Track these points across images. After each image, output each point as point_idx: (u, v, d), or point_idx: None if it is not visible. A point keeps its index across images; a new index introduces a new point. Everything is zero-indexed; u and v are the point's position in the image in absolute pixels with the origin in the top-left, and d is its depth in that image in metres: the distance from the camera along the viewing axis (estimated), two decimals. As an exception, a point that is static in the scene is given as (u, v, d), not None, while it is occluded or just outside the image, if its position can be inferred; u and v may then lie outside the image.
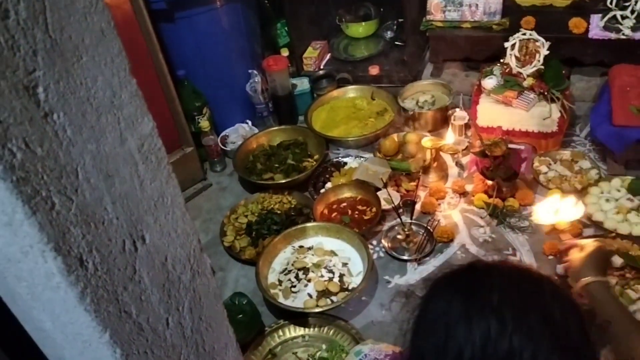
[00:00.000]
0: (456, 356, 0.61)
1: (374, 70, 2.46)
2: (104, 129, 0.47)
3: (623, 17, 1.94)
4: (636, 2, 1.91)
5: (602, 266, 1.15)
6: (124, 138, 0.49)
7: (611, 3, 1.95)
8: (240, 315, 1.59)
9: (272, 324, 1.61)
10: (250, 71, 2.22)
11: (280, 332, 1.58)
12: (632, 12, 1.92)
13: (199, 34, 2.10)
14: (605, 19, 1.97)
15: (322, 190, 2.00)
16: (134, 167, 0.50)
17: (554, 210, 1.42)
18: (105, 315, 0.47)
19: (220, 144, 2.22)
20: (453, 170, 2.03)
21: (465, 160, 2.01)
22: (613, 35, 1.95)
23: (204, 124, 2.12)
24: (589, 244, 1.20)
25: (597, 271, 1.12)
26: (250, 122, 2.29)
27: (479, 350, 0.60)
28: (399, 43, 2.54)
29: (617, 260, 1.50)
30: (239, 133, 2.26)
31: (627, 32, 1.92)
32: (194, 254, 0.60)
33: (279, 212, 1.93)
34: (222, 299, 1.61)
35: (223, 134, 2.28)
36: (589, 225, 1.70)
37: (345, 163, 2.14)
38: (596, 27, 2.00)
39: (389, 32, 2.61)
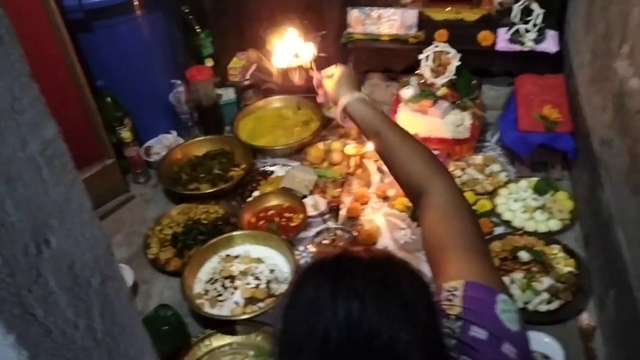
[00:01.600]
0: (323, 338, 0.64)
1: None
2: (3, 134, 0.47)
3: (526, 31, 2.09)
4: (537, 17, 2.06)
5: (353, 84, 1.16)
6: (26, 142, 0.49)
7: (515, 17, 2.10)
8: (165, 327, 1.57)
9: (199, 333, 1.60)
10: (173, 81, 2.21)
11: (207, 342, 1.58)
12: (534, 25, 2.08)
13: (119, 44, 2.07)
14: (510, 32, 2.11)
15: (249, 199, 2.01)
16: (37, 171, 0.51)
17: (293, 53, 1.39)
18: (9, 317, 0.47)
19: (143, 155, 2.19)
20: (376, 176, 2.10)
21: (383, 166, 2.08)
22: (517, 48, 2.10)
23: (126, 134, 2.09)
24: (335, 70, 1.22)
25: (350, 89, 1.14)
26: (175, 133, 2.28)
27: (344, 331, 0.63)
28: (323, 54, 2.59)
29: (524, 255, 1.62)
30: (163, 143, 2.24)
31: (530, 44, 2.07)
32: (103, 258, 0.61)
33: (205, 222, 1.92)
34: (147, 311, 1.62)
35: (147, 144, 2.25)
36: (499, 224, 1.82)
37: (272, 172, 2.16)
38: (502, 40, 2.14)
39: (316, 43, 2.66)
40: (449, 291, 0.80)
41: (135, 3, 2.03)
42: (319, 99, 1.36)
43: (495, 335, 0.75)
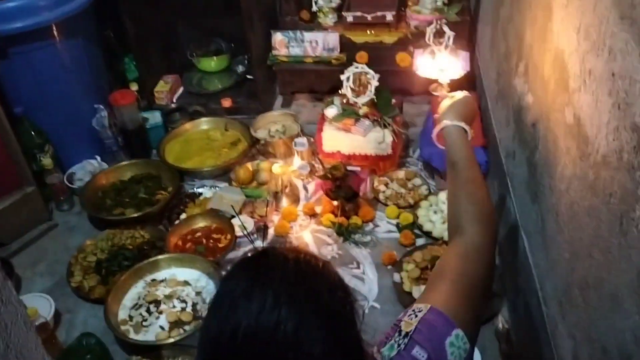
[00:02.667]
0: (234, 328, 0.66)
1: (226, 102, 2.53)
2: None
3: (438, 50, 2.20)
4: (449, 39, 2.18)
5: (462, 113, 1.17)
6: None
7: (429, 39, 2.21)
8: (89, 356, 1.54)
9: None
10: (96, 106, 2.18)
11: (132, 368, 1.56)
12: (446, 47, 2.19)
13: (37, 70, 2.03)
14: (425, 53, 2.22)
15: (177, 222, 2.01)
16: None
17: (439, 67, 1.44)
18: None
19: (66, 182, 2.14)
20: (304, 193, 2.14)
21: (312, 184, 2.13)
22: (431, 66, 2.21)
23: (47, 162, 2.04)
24: (458, 94, 1.25)
25: (456, 117, 1.15)
26: (99, 158, 2.24)
27: (253, 321, 0.66)
28: (250, 77, 2.64)
29: (442, 264, 1.69)
30: (87, 169, 2.19)
31: (441, 62, 2.19)
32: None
33: (130, 247, 1.90)
34: (70, 341, 1.58)
35: (70, 171, 2.20)
36: (420, 235, 1.90)
37: (201, 193, 2.16)
38: (419, 59, 2.24)
39: (240, 66, 2.71)
40: (414, 310, 0.85)
41: (53, 29, 2.01)
42: (435, 116, 1.36)
43: None
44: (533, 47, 1.43)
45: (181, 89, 2.64)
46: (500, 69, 1.83)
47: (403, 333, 0.82)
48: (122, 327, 1.62)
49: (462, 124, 1.14)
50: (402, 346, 0.80)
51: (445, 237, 1.85)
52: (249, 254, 0.77)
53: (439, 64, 1.41)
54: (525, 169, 1.47)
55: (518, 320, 1.54)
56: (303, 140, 2.11)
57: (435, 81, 1.52)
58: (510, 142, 1.66)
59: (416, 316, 0.84)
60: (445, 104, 1.22)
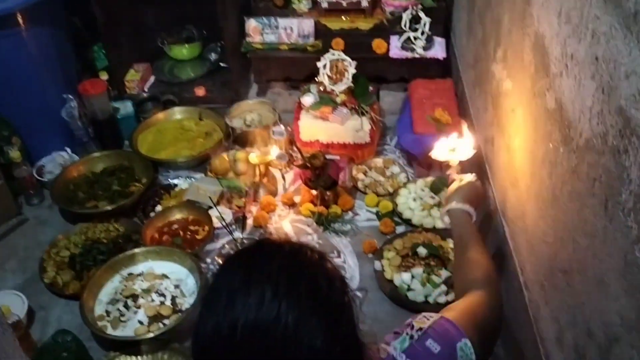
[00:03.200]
0: (232, 323, 0.65)
1: (200, 91, 2.48)
2: None
3: (415, 38, 2.20)
4: (424, 25, 2.18)
5: (468, 197, 1.26)
6: None
7: (405, 25, 2.21)
8: (65, 354, 1.50)
9: (102, 357, 1.54)
10: (65, 96, 2.11)
11: (111, 365, 1.52)
12: (422, 33, 2.19)
13: (2, 60, 1.95)
14: (402, 39, 2.22)
15: (152, 215, 1.96)
16: None
17: (450, 148, 1.53)
18: None
19: (35, 175, 2.07)
20: (282, 183, 2.11)
21: (290, 173, 2.11)
22: (409, 54, 2.21)
23: (14, 154, 1.96)
24: (466, 178, 1.32)
25: (462, 200, 1.24)
26: (69, 150, 2.17)
27: (252, 315, 0.65)
28: (224, 65, 2.59)
29: (423, 251, 1.69)
30: (57, 162, 2.13)
31: (420, 51, 2.19)
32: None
33: (105, 241, 1.85)
34: (45, 338, 1.53)
35: (39, 164, 2.13)
36: (400, 223, 1.89)
37: (176, 185, 2.12)
38: (395, 47, 2.24)
39: (213, 54, 2.65)
40: (424, 316, 0.89)
41: (18, 17, 1.92)
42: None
43: (446, 355, 0.83)
44: (512, 32, 1.42)
45: (152, 78, 2.58)
46: (478, 55, 1.83)
47: (416, 328, 0.85)
48: (99, 323, 1.58)
49: (467, 207, 1.22)
50: (416, 337, 0.84)
51: (425, 225, 1.86)
52: (244, 247, 0.76)
53: (450, 145, 1.49)
54: (505, 155, 1.48)
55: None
56: (281, 129, 2.08)
57: (447, 163, 1.62)
58: (488, 128, 1.66)
59: (428, 319, 0.88)
60: (454, 186, 1.30)
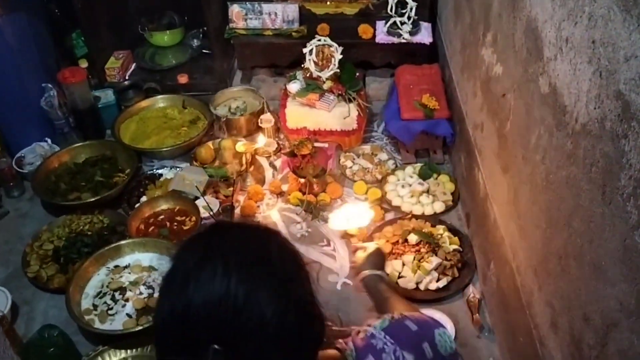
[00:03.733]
0: (187, 302, 0.66)
1: (182, 79, 2.43)
2: None
3: (402, 23, 2.17)
4: (411, 10, 2.16)
5: (378, 263, 1.33)
6: None
7: (391, 10, 2.18)
8: (52, 349, 1.46)
9: (90, 352, 1.51)
10: (44, 85, 2.04)
11: (100, 359, 1.49)
12: (409, 18, 2.17)
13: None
14: (388, 24, 2.20)
15: (137, 205, 1.92)
16: None
17: (346, 218, 1.57)
18: None
19: (15, 167, 2.02)
20: (270, 172, 2.09)
21: (278, 161, 2.09)
22: (395, 40, 2.19)
23: (-7, 145, 1.91)
24: (370, 246, 1.38)
25: (373, 267, 1.30)
26: (49, 140, 2.11)
27: (204, 291, 0.66)
28: (207, 51, 2.54)
29: (413, 238, 1.69)
30: (37, 153, 2.07)
31: (406, 36, 2.17)
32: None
33: (89, 233, 1.81)
34: (30, 334, 1.50)
35: (18, 155, 2.08)
36: (389, 210, 1.89)
37: (161, 175, 2.08)
38: (381, 32, 2.22)
39: (195, 40, 2.60)
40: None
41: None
42: (351, 266, 1.51)
43: (423, 334, 0.86)
44: (502, 16, 1.41)
45: (134, 65, 2.52)
46: (466, 40, 1.82)
47: (397, 315, 0.88)
48: (86, 317, 1.55)
49: (379, 272, 1.29)
50: (396, 317, 0.87)
51: (415, 211, 1.85)
52: (200, 230, 0.79)
53: (346, 214, 1.51)
54: (495, 140, 1.47)
55: (490, 290, 1.55)
56: (269, 116, 2.05)
57: (346, 233, 1.68)
58: (478, 113, 1.66)
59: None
60: (360, 255, 1.36)
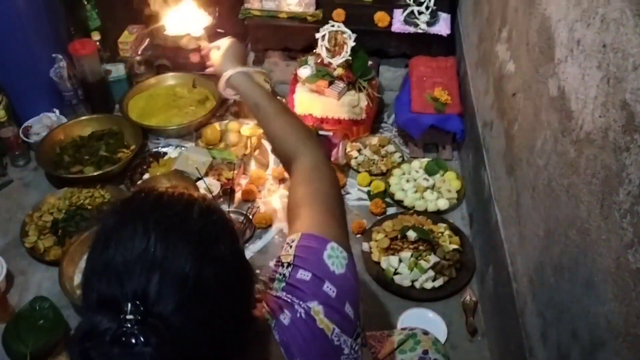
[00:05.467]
0: (108, 258, 0.66)
1: (195, 57, 2.40)
2: None
3: (420, 13, 2.11)
4: (430, 0, 2.10)
5: (238, 58, 1.22)
6: None
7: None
8: (42, 321, 1.48)
9: (80, 326, 1.51)
10: (54, 55, 2.03)
11: (88, 334, 1.49)
12: (427, 8, 2.11)
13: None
14: (405, 13, 2.14)
15: (139, 182, 1.91)
16: None
17: (182, 20, 1.39)
18: None
19: (22, 136, 2.02)
20: (274, 158, 2.06)
21: (283, 147, 2.05)
22: (412, 29, 2.13)
23: (0, 113, 1.91)
24: (223, 42, 1.26)
25: (235, 63, 1.19)
26: (57, 111, 2.11)
27: (123, 247, 0.66)
28: (221, 31, 2.50)
29: (412, 234, 1.65)
30: (43, 123, 2.07)
31: (423, 26, 2.11)
32: None
33: (89, 207, 1.80)
34: (23, 304, 1.51)
35: (25, 124, 2.07)
36: (392, 204, 1.85)
37: (165, 153, 2.07)
38: (398, 21, 2.16)
39: (210, 19, 2.56)
40: (288, 243, 0.88)
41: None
42: (208, 71, 1.34)
43: (318, 276, 0.82)
44: (518, 12, 1.35)
45: (147, 41, 2.49)
46: (482, 34, 1.76)
47: (285, 264, 0.85)
48: (78, 292, 1.55)
49: (244, 68, 1.18)
50: (287, 275, 0.84)
51: (417, 207, 1.82)
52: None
53: (184, 17, 1.37)
54: (502, 140, 1.43)
55: (487, 294, 1.52)
56: (274, 100, 2.01)
57: (187, 36, 1.48)
58: (488, 111, 1.61)
59: (291, 247, 0.86)
60: (216, 55, 1.22)
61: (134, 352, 0.60)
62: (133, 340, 0.60)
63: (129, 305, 0.62)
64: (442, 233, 1.69)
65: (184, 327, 0.64)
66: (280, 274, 0.84)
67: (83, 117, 2.10)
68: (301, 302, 0.80)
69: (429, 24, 2.12)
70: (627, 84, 0.76)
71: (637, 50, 0.73)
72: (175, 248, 0.66)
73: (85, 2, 2.31)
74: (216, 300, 0.68)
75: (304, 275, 0.82)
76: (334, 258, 0.85)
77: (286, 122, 1.08)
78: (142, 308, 0.62)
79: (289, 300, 0.81)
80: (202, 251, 0.68)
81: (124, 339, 0.60)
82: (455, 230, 1.73)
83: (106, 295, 0.64)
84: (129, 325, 0.61)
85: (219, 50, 1.23)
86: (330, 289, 0.82)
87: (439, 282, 1.59)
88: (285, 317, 0.79)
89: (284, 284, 0.83)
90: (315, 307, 0.80)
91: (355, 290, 0.86)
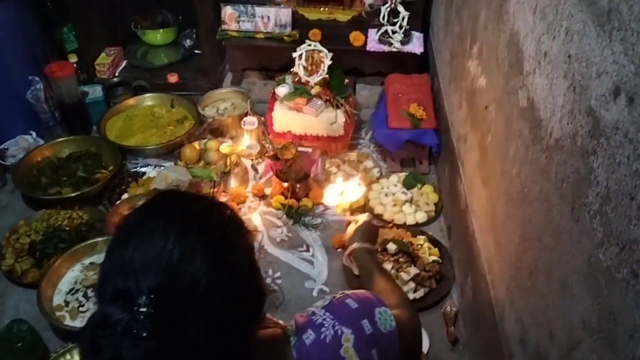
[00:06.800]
0: (128, 254, 0.68)
1: (173, 78, 2.42)
2: None
3: (393, 32, 2.17)
4: (403, 19, 2.16)
5: (367, 236, 1.30)
6: None
7: (383, 19, 2.18)
8: (20, 344, 1.44)
9: (59, 348, 1.49)
10: (30, 78, 2.03)
11: (68, 356, 1.47)
12: (400, 27, 2.17)
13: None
14: (379, 33, 2.19)
15: (117, 202, 1.90)
16: None
17: (339, 192, 1.54)
18: None
19: (-2, 158, 2.00)
20: (252, 174, 2.08)
21: (262, 164, 2.07)
22: (386, 48, 2.18)
23: (-25, 136, 1.89)
24: (361, 218, 1.36)
25: (363, 239, 1.27)
26: (34, 134, 2.10)
27: (143, 245, 0.69)
28: (199, 51, 2.54)
29: (392, 247, 1.67)
30: (20, 145, 2.05)
31: (397, 45, 2.16)
32: None
33: (67, 228, 1.79)
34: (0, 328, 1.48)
35: (2, 147, 2.06)
36: (372, 218, 1.87)
37: (144, 173, 2.07)
38: (373, 40, 2.21)
39: (188, 40, 2.60)
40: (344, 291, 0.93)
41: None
42: (344, 260, 1.43)
43: (363, 310, 0.86)
44: (487, 28, 1.41)
45: (124, 62, 2.51)
46: (454, 51, 1.81)
47: (339, 292, 0.90)
48: (57, 313, 1.53)
49: (368, 245, 1.26)
50: (336, 297, 0.88)
51: (397, 221, 1.84)
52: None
53: (338, 188, 1.51)
54: (477, 152, 1.47)
55: (466, 303, 1.54)
56: (252, 119, 2.03)
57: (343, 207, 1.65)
58: (462, 125, 1.65)
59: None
60: (351, 229, 1.34)
61: (142, 344, 0.63)
62: (143, 333, 0.63)
63: (143, 298, 0.64)
64: (422, 245, 1.72)
65: (191, 327, 0.66)
66: (328, 298, 0.88)
67: (60, 139, 2.10)
68: (336, 324, 0.83)
69: (403, 42, 2.18)
70: (591, 91, 0.80)
71: (599, 59, 0.77)
72: (192, 251, 0.68)
73: (62, 24, 2.32)
74: (225, 305, 0.70)
75: (351, 303, 0.86)
76: (383, 317, 0.87)
77: (387, 287, 1.12)
78: (154, 302, 0.64)
79: (320, 321, 0.83)
80: (218, 256, 0.70)
81: (134, 330, 0.63)
82: (434, 242, 1.75)
83: (122, 288, 0.67)
84: (141, 317, 0.63)
85: (354, 225, 1.33)
86: (367, 327, 0.84)
87: (420, 294, 1.60)
88: (308, 337, 0.82)
89: (328, 303, 0.86)
90: (348, 335, 0.82)
91: (393, 346, 0.87)
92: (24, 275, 1.67)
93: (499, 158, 1.26)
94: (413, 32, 2.22)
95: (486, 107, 1.39)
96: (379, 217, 1.87)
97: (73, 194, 1.87)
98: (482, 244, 1.40)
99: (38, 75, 2.05)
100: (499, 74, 1.29)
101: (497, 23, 1.32)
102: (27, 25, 2.07)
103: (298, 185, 1.90)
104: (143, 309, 0.64)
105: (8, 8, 1.96)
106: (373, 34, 2.23)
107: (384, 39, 2.19)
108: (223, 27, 2.31)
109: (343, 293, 0.91)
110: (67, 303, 1.57)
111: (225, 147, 2.05)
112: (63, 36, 2.35)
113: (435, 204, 1.89)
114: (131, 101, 2.30)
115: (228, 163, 2.03)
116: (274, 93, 2.16)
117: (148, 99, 2.32)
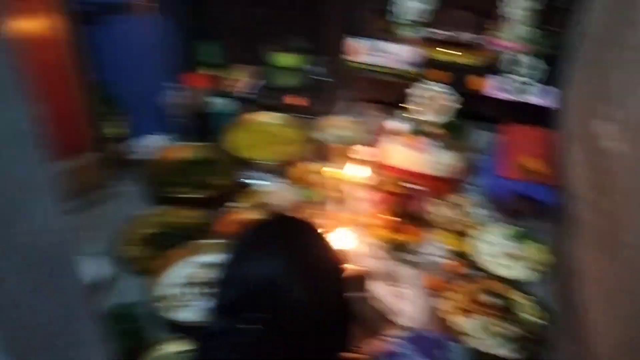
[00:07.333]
0: (241, 274, 0.80)
1: (295, 100, 2.54)
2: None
3: (521, 82, 2.14)
4: (531, 69, 2.12)
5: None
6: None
7: (507, 67, 2.15)
8: (124, 326, 1.57)
9: (162, 337, 1.59)
10: (169, 84, 2.23)
11: (165, 346, 1.57)
12: (528, 77, 2.13)
13: (118, 44, 2.11)
14: (504, 80, 2.17)
15: (229, 210, 2.02)
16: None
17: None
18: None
19: (130, 153, 2.20)
20: (356, 202, 2.11)
21: (365, 194, 2.11)
22: (509, 96, 2.15)
23: (115, 131, 2.10)
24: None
25: None
26: (163, 135, 2.29)
27: (261, 270, 0.79)
28: (322, 78, 2.64)
29: (490, 299, 1.63)
30: (150, 144, 2.25)
31: (522, 94, 2.13)
32: (59, 244, 0.61)
33: (181, 226, 1.93)
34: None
35: (135, 143, 2.27)
36: (470, 266, 1.83)
37: (257, 186, 2.18)
38: (496, 86, 2.19)
39: (314, 67, 2.71)
40: None
41: (137, 6, 2.08)
42: None
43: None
44: (623, 88, 1.35)
45: (254, 80, 2.67)
46: (582, 108, 1.75)
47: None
48: (164, 303, 1.65)
49: None
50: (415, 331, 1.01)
51: (498, 273, 1.79)
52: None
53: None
54: (597, 217, 1.40)
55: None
56: (367, 149, 2.09)
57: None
58: (581, 185, 1.58)
59: None
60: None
61: (245, 352, 0.71)
62: (247, 344, 0.71)
63: (255, 314, 0.74)
64: (522, 303, 1.65)
65: (292, 346, 0.74)
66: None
67: (186, 143, 2.27)
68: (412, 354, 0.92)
69: (528, 92, 2.14)
70: None
71: None
72: (296, 279, 0.78)
73: (202, 39, 2.53)
74: (324, 327, 0.76)
75: (428, 334, 0.92)
76: (455, 350, 0.94)
77: None
78: (262, 319, 0.73)
79: (401, 350, 0.91)
80: (318, 286, 0.79)
81: (242, 342, 0.71)
82: (537, 302, 1.68)
83: (233, 303, 0.74)
84: (251, 332, 0.70)
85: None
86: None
87: (516, 355, 1.54)
88: None
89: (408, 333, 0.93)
90: None
91: None
92: (139, 262, 1.82)
93: (625, 227, 1.20)
94: (541, 84, 2.17)
95: (616, 171, 1.33)
96: (478, 266, 1.82)
97: (190, 196, 2.02)
98: (592, 317, 1.32)
99: (174, 83, 2.25)
100: (633, 142, 1.23)
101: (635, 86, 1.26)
102: (169, 37, 2.29)
103: (401, 220, 1.91)
104: (253, 325, 0.71)
105: (157, 20, 2.18)
106: (497, 81, 2.21)
107: (506, 86, 2.16)
108: (349, 58, 2.39)
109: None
110: (174, 295, 1.68)
111: (333, 173, 2.11)
112: (200, 50, 2.55)
113: (543, 263, 1.82)
114: (254, 117, 2.44)
115: (334, 188, 2.09)
116: (387, 126, 2.20)
117: (270, 117, 2.46)
